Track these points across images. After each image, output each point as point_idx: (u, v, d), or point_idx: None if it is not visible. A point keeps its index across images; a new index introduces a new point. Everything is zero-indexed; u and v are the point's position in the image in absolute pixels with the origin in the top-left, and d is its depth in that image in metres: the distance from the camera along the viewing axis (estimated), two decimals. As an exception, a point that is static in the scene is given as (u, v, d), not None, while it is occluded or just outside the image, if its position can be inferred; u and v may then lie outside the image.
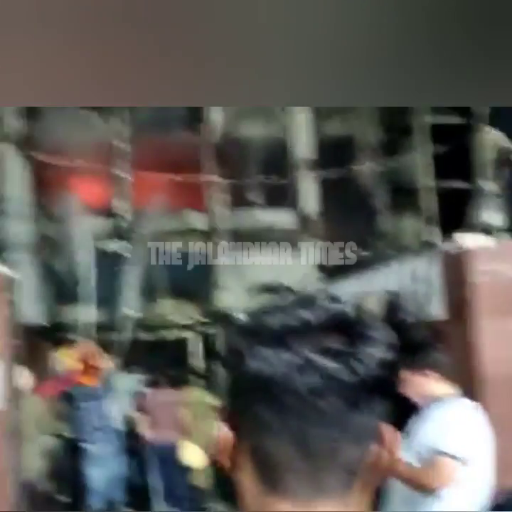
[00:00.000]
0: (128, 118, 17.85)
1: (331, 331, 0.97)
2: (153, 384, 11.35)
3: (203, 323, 18.07)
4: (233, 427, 1.03)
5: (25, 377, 8.52)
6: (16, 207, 16.87)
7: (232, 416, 1.02)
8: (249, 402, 0.98)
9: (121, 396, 11.02)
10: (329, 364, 0.95)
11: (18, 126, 17.27)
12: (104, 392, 10.08)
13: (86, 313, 14.65)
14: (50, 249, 17.70)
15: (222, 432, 1.04)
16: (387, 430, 1.03)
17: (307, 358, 0.95)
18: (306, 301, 1.01)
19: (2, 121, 17.20)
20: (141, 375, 12.56)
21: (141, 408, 10.95)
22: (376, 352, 0.98)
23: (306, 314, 0.98)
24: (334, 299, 1.02)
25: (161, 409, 10.65)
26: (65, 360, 10.09)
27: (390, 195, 18.60)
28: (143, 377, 12.20)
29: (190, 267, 19.07)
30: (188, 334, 18.02)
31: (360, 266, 13.70)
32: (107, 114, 17.87)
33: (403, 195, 18.06)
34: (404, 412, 4.15)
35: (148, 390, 11.45)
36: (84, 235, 16.53)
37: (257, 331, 0.98)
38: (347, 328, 0.98)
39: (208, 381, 14.26)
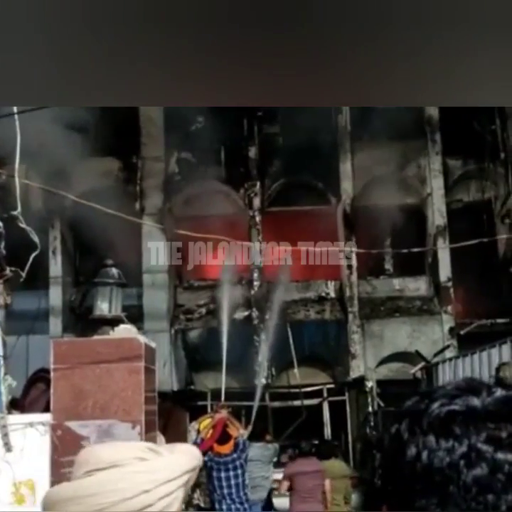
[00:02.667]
0: (259, 190, 18.20)
1: (501, 418, 0.89)
2: (287, 453, 11.18)
3: (336, 392, 17.82)
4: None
5: (160, 443, 8.63)
6: (153, 277, 17.43)
7: (392, 503, 0.95)
8: (408, 491, 0.90)
9: (254, 465, 10.89)
10: (499, 455, 0.86)
11: (157, 201, 17.95)
12: (237, 461, 9.98)
13: (218, 381, 14.77)
14: (184, 318, 18.08)
15: None
16: None
17: (474, 448, 0.87)
18: (474, 386, 0.94)
19: (143, 197, 17.94)
20: (274, 443, 12.44)
21: (283, 477, 10.73)
22: None
23: (474, 400, 0.91)
24: (503, 384, 0.95)
25: (299, 479, 10.40)
26: (199, 427, 10.10)
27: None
28: (276, 446, 12.07)
29: (322, 335, 18.97)
30: (319, 402, 17.81)
31: (498, 335, 13.19)
32: (239, 187, 18.31)
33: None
34: None
35: (283, 460, 11.28)
36: (217, 303, 16.81)
37: (420, 417, 0.92)
38: None
39: (340, 450, 13.95)
